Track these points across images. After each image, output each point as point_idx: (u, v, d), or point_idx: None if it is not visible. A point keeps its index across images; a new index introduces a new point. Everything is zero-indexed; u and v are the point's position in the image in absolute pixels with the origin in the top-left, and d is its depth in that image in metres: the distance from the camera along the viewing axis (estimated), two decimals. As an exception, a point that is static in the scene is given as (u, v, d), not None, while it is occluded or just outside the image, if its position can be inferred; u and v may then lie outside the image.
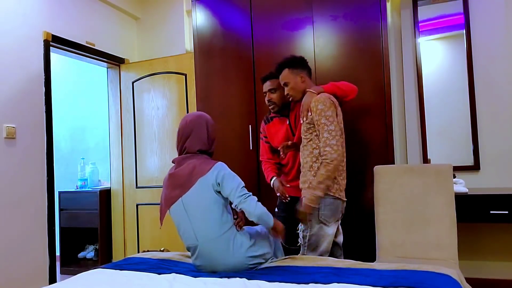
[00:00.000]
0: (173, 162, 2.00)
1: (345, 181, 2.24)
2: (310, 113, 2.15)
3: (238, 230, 1.93)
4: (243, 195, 1.86)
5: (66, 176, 4.61)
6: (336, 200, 2.16)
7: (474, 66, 3.01)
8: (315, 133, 2.15)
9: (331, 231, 2.16)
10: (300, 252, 2.23)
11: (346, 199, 2.24)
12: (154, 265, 2.00)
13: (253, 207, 1.85)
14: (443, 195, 2.28)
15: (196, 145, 1.95)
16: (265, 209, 1.90)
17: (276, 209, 2.65)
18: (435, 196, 2.29)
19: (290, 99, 2.36)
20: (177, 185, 1.91)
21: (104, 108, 4.24)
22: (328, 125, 2.09)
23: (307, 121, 2.17)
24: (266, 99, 2.54)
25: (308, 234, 2.16)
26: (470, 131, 3.00)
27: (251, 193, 1.90)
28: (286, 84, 2.32)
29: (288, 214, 2.55)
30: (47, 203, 3.13)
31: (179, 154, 1.99)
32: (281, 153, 2.41)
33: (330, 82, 2.36)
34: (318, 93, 2.22)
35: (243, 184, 1.91)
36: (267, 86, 2.52)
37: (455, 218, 2.24)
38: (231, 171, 1.93)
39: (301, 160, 2.27)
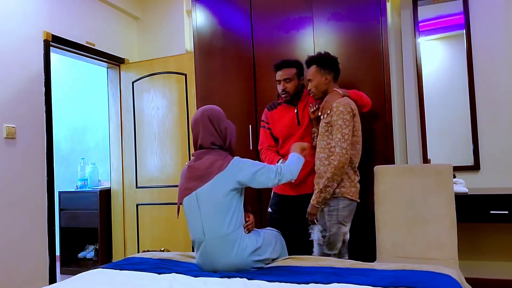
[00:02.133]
0: (192, 155, 2.03)
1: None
2: (329, 111, 2.22)
3: (246, 233, 1.93)
4: (276, 174, 1.93)
5: (66, 176, 4.61)
6: (353, 202, 2.25)
7: (474, 66, 3.01)
8: (331, 136, 2.22)
9: (347, 230, 2.27)
10: (316, 250, 2.27)
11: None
12: (154, 265, 2.00)
13: (293, 174, 1.98)
14: (443, 195, 2.28)
15: (207, 139, 1.97)
16: (297, 164, 2.03)
17: (269, 209, 2.63)
18: (435, 196, 2.29)
19: (312, 96, 2.39)
20: (193, 177, 1.92)
21: (104, 108, 4.24)
22: (344, 127, 2.16)
23: (325, 121, 2.24)
24: (279, 87, 2.53)
25: (328, 234, 2.22)
26: (470, 131, 3.01)
27: (278, 166, 1.97)
28: (310, 80, 2.36)
29: (282, 215, 2.54)
30: (47, 203, 3.13)
31: (196, 150, 2.03)
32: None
33: (353, 89, 2.41)
34: (343, 96, 2.30)
35: (266, 165, 1.97)
36: (281, 75, 2.51)
37: (455, 218, 2.24)
38: (248, 160, 1.95)
39: (316, 161, 2.30)
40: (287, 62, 2.53)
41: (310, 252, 2.37)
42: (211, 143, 1.97)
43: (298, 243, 2.45)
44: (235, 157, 1.95)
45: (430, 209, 2.28)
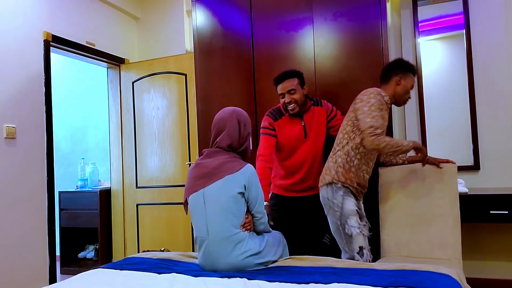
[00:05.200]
0: (202, 152, 2.02)
1: None
2: None
3: (243, 230, 1.90)
4: (262, 215, 1.98)
5: (66, 176, 4.61)
6: None
7: (474, 66, 3.01)
8: None
9: None
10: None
11: None
12: (154, 265, 1.99)
13: (261, 228, 2.01)
14: (447, 195, 2.28)
15: (226, 141, 1.97)
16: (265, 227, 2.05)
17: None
18: (439, 196, 2.29)
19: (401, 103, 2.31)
20: (202, 175, 1.92)
21: (104, 108, 4.24)
22: None
23: None
24: (284, 100, 2.41)
25: None
26: (470, 131, 3.01)
27: (265, 213, 2.01)
28: (398, 82, 2.25)
29: (283, 214, 2.53)
30: (47, 203, 3.13)
31: (211, 147, 2.02)
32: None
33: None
34: None
35: (263, 197, 2.00)
36: (284, 87, 2.38)
37: (459, 218, 2.24)
38: (258, 178, 1.96)
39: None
40: (288, 73, 2.42)
41: (317, 249, 2.40)
42: (229, 145, 1.96)
43: (305, 242, 2.49)
44: (249, 165, 1.93)
45: (434, 208, 2.27)
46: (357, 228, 2.13)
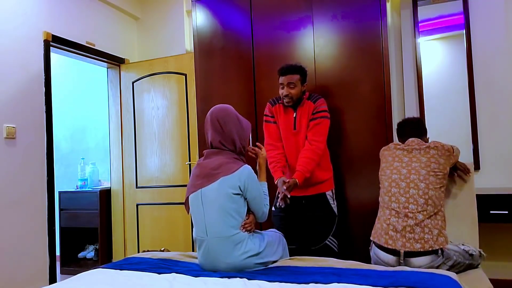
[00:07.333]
0: (203, 153, 2.04)
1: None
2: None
3: (243, 231, 1.90)
4: (261, 214, 2.01)
5: (66, 176, 4.61)
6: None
7: (474, 66, 3.01)
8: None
9: None
10: None
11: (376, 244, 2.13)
12: (154, 265, 2.00)
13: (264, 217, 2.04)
14: (464, 194, 2.26)
15: (216, 139, 1.99)
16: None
17: (273, 208, 2.62)
18: (456, 195, 2.27)
19: None
20: (201, 175, 1.94)
21: (104, 108, 4.24)
22: None
23: None
24: (283, 92, 2.48)
25: None
26: (470, 131, 3.01)
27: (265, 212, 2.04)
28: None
29: (287, 213, 2.54)
30: (47, 203, 3.13)
31: (207, 149, 2.07)
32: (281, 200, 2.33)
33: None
34: None
35: (265, 198, 2.04)
36: (286, 80, 2.47)
37: (476, 218, 2.22)
38: (256, 178, 1.96)
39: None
40: (293, 68, 2.49)
41: (319, 248, 2.39)
42: (220, 142, 1.98)
43: (307, 241, 2.48)
44: (245, 166, 1.93)
45: (451, 208, 2.26)
46: (468, 250, 2.02)
